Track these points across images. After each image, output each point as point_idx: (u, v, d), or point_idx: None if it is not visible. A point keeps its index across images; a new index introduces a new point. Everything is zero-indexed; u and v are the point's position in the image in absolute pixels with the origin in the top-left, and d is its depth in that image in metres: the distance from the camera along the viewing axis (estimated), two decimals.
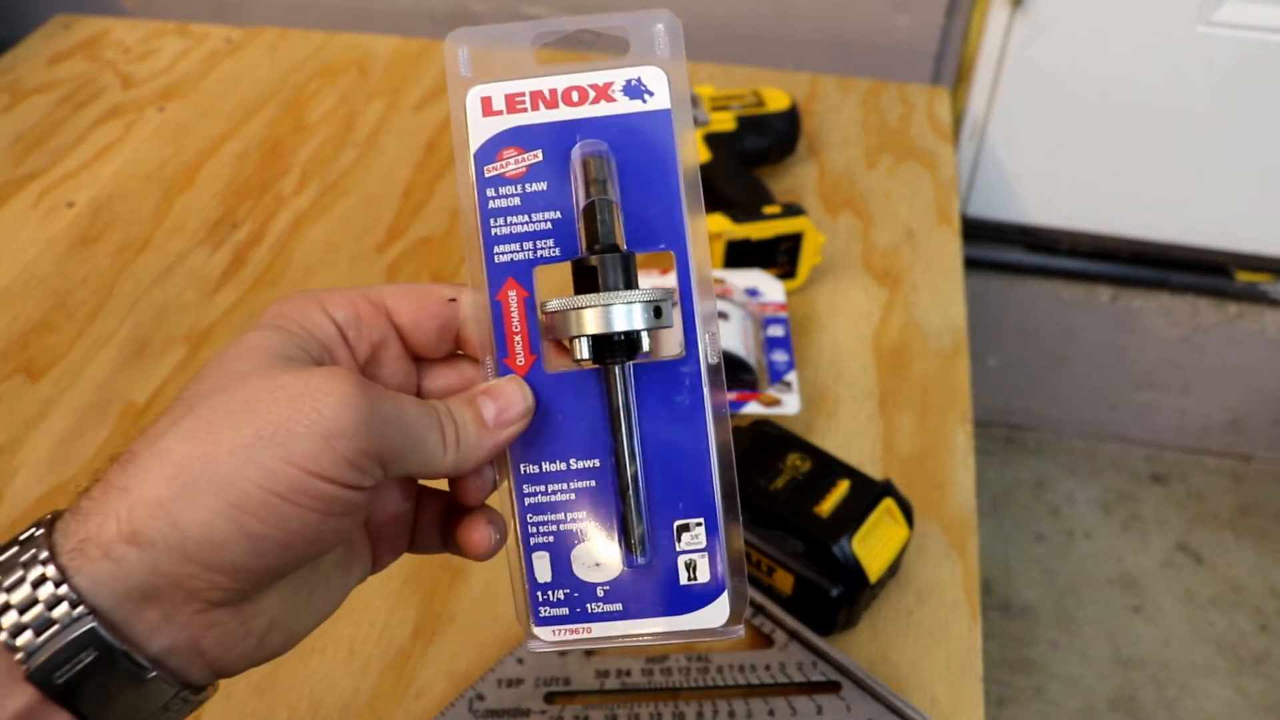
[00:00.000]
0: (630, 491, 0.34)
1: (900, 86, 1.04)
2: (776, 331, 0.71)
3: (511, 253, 0.35)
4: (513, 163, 0.35)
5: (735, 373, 0.66)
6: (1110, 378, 1.35)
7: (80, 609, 0.27)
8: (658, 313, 0.33)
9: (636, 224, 0.35)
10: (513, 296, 0.35)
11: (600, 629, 0.35)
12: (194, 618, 0.29)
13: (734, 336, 0.67)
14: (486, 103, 0.35)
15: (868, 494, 0.56)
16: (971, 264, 1.08)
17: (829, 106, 1.01)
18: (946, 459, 0.67)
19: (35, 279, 0.80)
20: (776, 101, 0.90)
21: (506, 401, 0.33)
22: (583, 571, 0.35)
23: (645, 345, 0.34)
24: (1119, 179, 1.15)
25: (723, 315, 0.68)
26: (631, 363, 0.34)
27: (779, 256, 0.77)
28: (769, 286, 0.74)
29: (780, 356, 0.69)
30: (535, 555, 0.35)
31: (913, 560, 0.61)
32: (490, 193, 0.35)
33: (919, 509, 0.61)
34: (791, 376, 0.68)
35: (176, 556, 0.27)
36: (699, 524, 0.35)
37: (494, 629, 0.57)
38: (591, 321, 0.33)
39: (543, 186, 0.35)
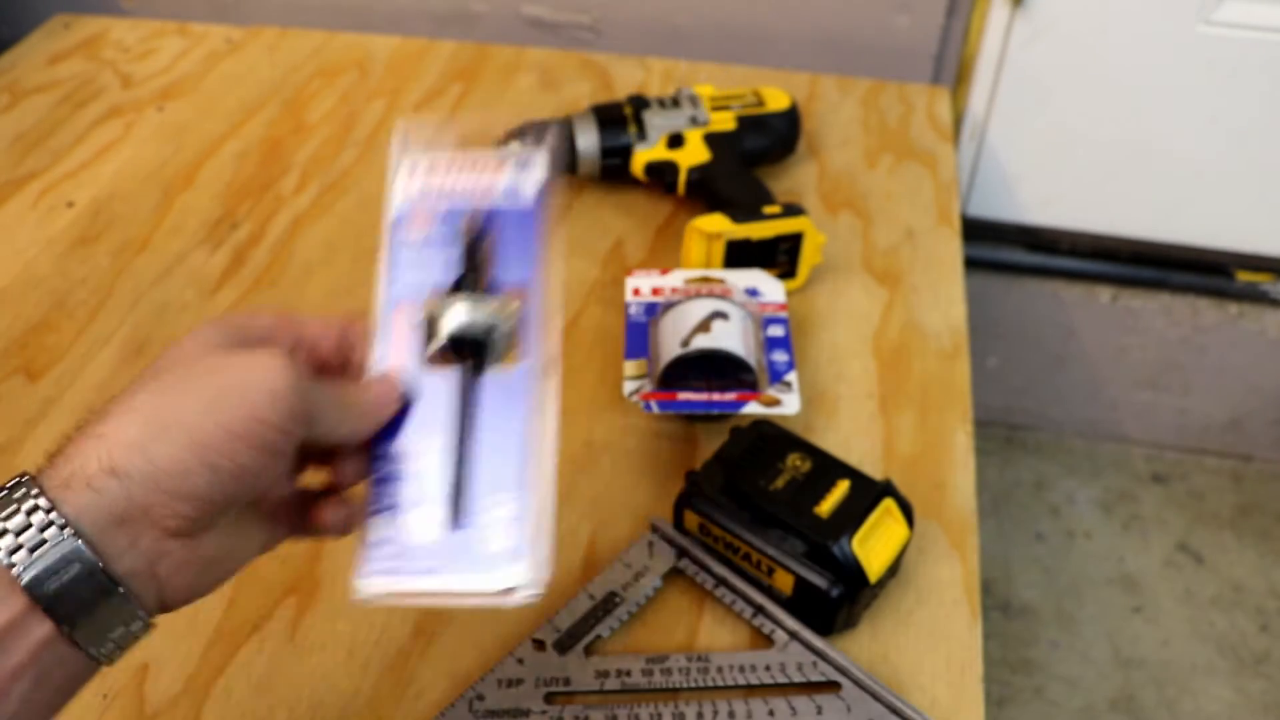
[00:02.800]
0: (456, 468, 0.42)
1: (900, 86, 1.04)
2: (776, 331, 0.71)
3: (409, 281, 0.45)
4: (421, 216, 0.46)
5: (735, 373, 0.66)
6: (1110, 378, 1.35)
7: (68, 530, 0.33)
8: (497, 320, 0.43)
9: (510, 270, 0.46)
10: (404, 316, 0.44)
11: (417, 583, 0.41)
12: (153, 544, 0.35)
13: (734, 336, 0.67)
14: (411, 169, 0.47)
15: (868, 494, 0.56)
16: (971, 264, 1.08)
17: (829, 106, 1.01)
18: (946, 459, 0.67)
19: (35, 279, 0.80)
20: (776, 101, 0.90)
21: (389, 388, 0.43)
22: (411, 535, 0.41)
23: (498, 352, 0.43)
24: (1119, 179, 1.15)
25: (723, 315, 0.68)
26: (474, 362, 0.43)
27: (779, 256, 0.77)
28: (769, 286, 0.74)
29: (780, 356, 0.69)
30: (375, 519, 0.42)
31: (913, 560, 0.61)
32: (400, 237, 0.46)
33: (919, 509, 0.61)
34: (791, 376, 0.68)
35: (149, 486, 0.34)
36: (510, 499, 0.42)
37: (494, 629, 0.57)
38: (451, 317, 0.43)
39: (440, 235, 0.46)
